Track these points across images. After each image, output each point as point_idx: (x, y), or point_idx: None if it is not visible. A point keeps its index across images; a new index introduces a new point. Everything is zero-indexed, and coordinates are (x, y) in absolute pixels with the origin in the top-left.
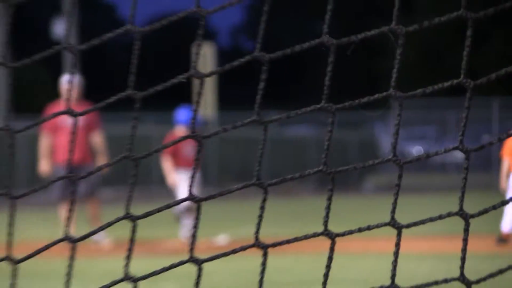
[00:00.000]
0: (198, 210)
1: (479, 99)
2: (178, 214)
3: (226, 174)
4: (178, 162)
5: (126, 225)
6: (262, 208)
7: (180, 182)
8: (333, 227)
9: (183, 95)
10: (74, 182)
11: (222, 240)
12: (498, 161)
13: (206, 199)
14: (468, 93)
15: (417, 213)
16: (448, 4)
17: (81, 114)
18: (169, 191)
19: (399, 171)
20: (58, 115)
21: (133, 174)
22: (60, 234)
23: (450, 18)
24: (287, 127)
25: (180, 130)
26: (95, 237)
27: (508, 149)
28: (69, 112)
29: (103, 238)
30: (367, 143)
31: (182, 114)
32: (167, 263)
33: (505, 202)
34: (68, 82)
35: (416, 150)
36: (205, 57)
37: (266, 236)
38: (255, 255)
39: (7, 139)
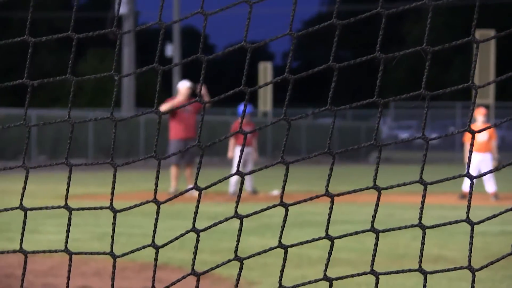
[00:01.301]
0: (286, 170)
1: (447, 103)
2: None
3: (277, 150)
4: (239, 141)
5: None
6: (331, 169)
7: (237, 155)
8: (356, 186)
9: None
10: (186, 150)
11: (275, 193)
12: (460, 144)
13: (293, 162)
14: (474, 92)
15: (407, 176)
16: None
17: (203, 103)
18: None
19: (426, 146)
20: (189, 104)
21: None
22: (172, 187)
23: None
24: (317, 119)
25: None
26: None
27: (467, 136)
28: (198, 101)
29: (194, 191)
30: (372, 130)
31: (241, 108)
32: (249, 208)
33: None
34: (189, 86)
35: (405, 136)
36: (266, 72)
37: (307, 192)
38: (299, 205)
39: (134, 122)
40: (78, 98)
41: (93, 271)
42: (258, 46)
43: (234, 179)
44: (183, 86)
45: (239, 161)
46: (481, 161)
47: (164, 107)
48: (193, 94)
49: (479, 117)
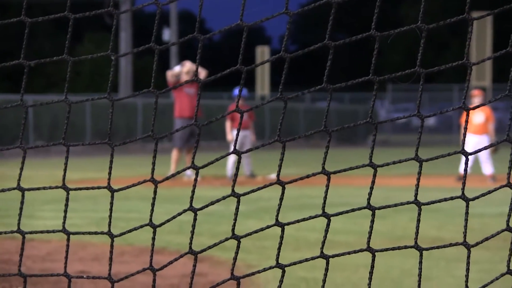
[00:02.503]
0: (283, 148)
1: (444, 85)
2: (250, 172)
3: (275, 134)
4: (235, 124)
5: (213, 168)
6: (327, 147)
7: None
8: (355, 164)
9: (246, 80)
10: (192, 135)
11: (273, 176)
12: (457, 126)
13: (289, 140)
14: (468, 70)
15: (401, 157)
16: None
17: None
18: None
19: (421, 123)
20: (185, 83)
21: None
22: (171, 171)
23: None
24: (315, 102)
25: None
26: (188, 173)
27: (464, 117)
28: (194, 80)
29: (192, 174)
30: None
31: (236, 91)
32: (240, 190)
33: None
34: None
35: (402, 119)
36: (263, 55)
37: (304, 173)
38: (292, 187)
39: (131, 106)
40: (75, 83)
41: (92, 256)
42: (254, 25)
43: (232, 163)
44: (188, 67)
45: (235, 142)
46: (477, 143)
47: (170, 73)
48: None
49: (475, 99)
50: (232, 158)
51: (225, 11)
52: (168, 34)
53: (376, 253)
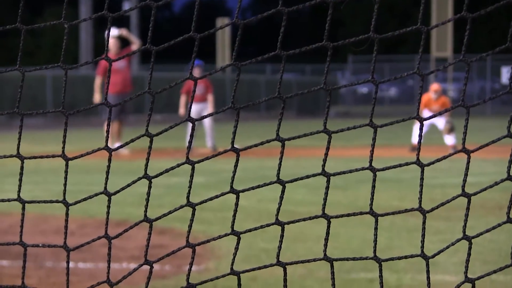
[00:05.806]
0: (237, 115)
1: (406, 56)
2: (213, 145)
3: (236, 103)
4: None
5: (164, 138)
6: (281, 113)
7: (191, 113)
8: (315, 139)
9: (207, 53)
10: (123, 109)
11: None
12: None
13: (242, 107)
14: (423, 35)
15: (365, 130)
16: None
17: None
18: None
19: (375, 89)
20: (121, 58)
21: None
22: (112, 143)
23: None
24: (276, 74)
25: (194, 73)
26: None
27: (424, 102)
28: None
29: (124, 150)
30: (332, 84)
31: (197, 61)
32: (208, 163)
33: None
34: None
35: (364, 90)
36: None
37: (267, 147)
38: (253, 158)
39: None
40: (36, 57)
41: (53, 229)
42: None
43: (208, 133)
44: (111, 39)
45: (189, 114)
46: (435, 119)
47: (100, 71)
48: (121, 46)
49: (432, 93)
50: (207, 130)
51: None
52: (128, 6)
53: (338, 224)
